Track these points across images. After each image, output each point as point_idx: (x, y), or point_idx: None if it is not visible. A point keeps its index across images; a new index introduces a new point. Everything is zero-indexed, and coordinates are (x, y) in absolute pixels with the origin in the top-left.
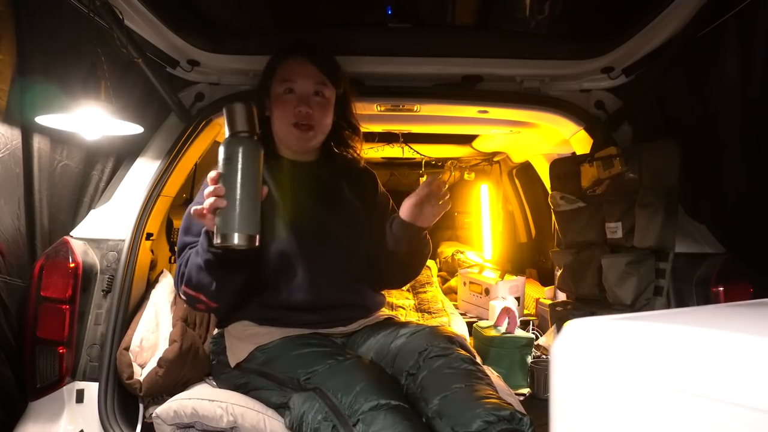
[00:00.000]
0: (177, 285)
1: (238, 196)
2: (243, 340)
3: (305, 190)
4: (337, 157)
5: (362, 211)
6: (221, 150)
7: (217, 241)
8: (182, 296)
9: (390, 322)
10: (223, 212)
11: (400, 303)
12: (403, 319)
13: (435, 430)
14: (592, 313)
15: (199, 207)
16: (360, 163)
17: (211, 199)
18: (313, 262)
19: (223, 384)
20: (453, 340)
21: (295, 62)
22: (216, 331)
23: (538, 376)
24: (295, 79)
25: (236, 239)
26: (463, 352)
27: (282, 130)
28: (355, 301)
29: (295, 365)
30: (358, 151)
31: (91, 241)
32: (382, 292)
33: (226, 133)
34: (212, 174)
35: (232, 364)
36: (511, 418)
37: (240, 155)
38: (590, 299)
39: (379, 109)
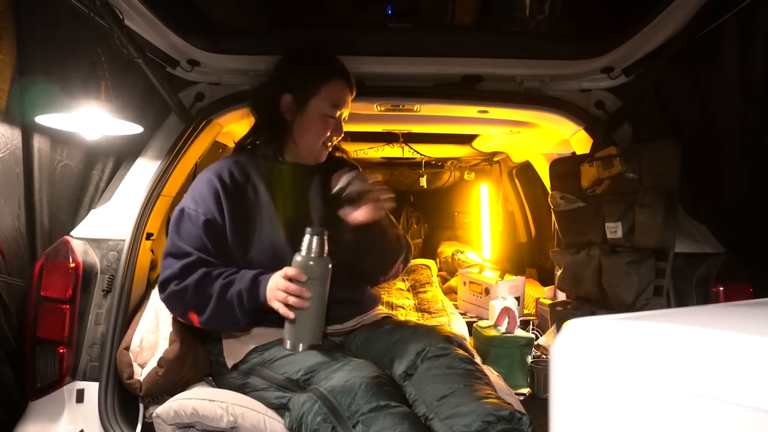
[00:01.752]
0: (175, 303)
1: (315, 313)
2: (240, 341)
3: (302, 192)
4: (333, 159)
5: None
6: (306, 263)
7: (287, 347)
8: (180, 317)
9: (387, 321)
10: (296, 325)
11: (400, 303)
12: (402, 318)
13: (434, 431)
14: (592, 313)
15: (282, 295)
16: (343, 160)
17: (295, 299)
18: None
19: (222, 385)
20: (451, 340)
21: (342, 87)
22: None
23: (538, 376)
24: (341, 106)
25: (302, 348)
26: (461, 351)
27: (308, 143)
28: (351, 297)
29: (294, 366)
30: (347, 154)
31: (91, 241)
32: (377, 290)
33: (309, 252)
34: (293, 272)
35: (230, 365)
36: (510, 418)
37: (323, 277)
38: (590, 299)
39: (379, 109)
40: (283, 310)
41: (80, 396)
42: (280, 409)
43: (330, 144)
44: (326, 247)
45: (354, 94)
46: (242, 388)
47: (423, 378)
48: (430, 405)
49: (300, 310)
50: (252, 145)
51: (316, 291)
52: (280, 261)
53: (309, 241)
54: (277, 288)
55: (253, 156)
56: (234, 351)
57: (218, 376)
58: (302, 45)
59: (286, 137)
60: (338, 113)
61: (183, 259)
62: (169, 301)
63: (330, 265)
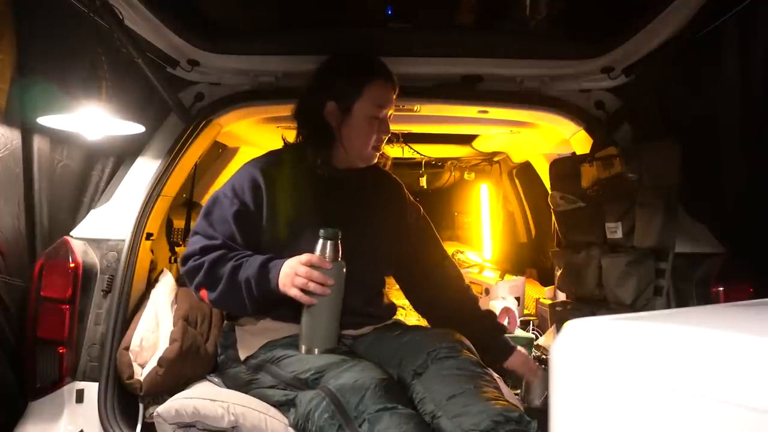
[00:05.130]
0: (191, 278)
1: (331, 317)
2: (254, 334)
3: (340, 197)
4: (369, 167)
5: (389, 222)
6: (330, 272)
7: (302, 352)
8: (194, 292)
9: (398, 327)
10: (312, 329)
11: (400, 303)
12: (403, 318)
13: (441, 429)
14: (592, 313)
15: (301, 281)
16: (387, 174)
17: (316, 286)
18: None
19: (228, 380)
20: (462, 343)
21: (384, 86)
22: (225, 323)
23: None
24: (387, 106)
25: (318, 352)
26: (471, 355)
27: (357, 147)
28: (370, 312)
29: (303, 365)
30: (387, 158)
31: (91, 241)
32: (394, 302)
33: (331, 256)
34: (317, 259)
35: (243, 357)
36: (520, 420)
37: (341, 281)
38: (590, 299)
39: None
40: (305, 299)
41: (80, 396)
42: (285, 406)
43: (380, 146)
44: (341, 251)
45: (397, 92)
46: (249, 384)
47: (432, 377)
48: (439, 403)
49: (316, 314)
50: (299, 148)
51: (332, 295)
52: None
53: (323, 245)
54: (296, 274)
55: (299, 158)
56: (247, 343)
57: (225, 369)
58: (309, 46)
59: (333, 144)
60: (383, 113)
61: (207, 240)
62: (186, 275)
63: (344, 269)
